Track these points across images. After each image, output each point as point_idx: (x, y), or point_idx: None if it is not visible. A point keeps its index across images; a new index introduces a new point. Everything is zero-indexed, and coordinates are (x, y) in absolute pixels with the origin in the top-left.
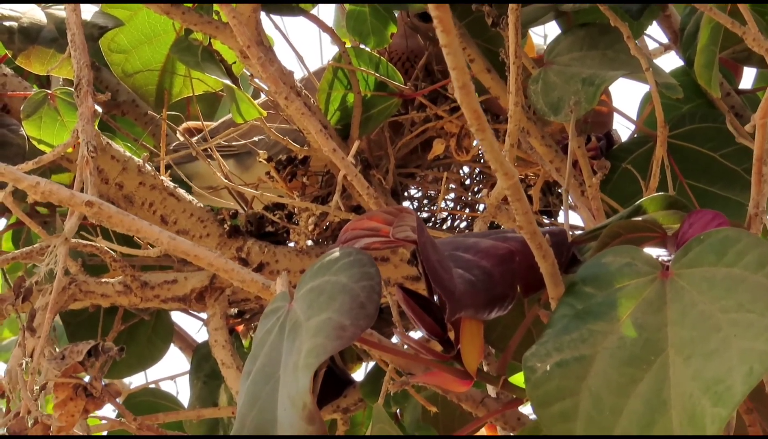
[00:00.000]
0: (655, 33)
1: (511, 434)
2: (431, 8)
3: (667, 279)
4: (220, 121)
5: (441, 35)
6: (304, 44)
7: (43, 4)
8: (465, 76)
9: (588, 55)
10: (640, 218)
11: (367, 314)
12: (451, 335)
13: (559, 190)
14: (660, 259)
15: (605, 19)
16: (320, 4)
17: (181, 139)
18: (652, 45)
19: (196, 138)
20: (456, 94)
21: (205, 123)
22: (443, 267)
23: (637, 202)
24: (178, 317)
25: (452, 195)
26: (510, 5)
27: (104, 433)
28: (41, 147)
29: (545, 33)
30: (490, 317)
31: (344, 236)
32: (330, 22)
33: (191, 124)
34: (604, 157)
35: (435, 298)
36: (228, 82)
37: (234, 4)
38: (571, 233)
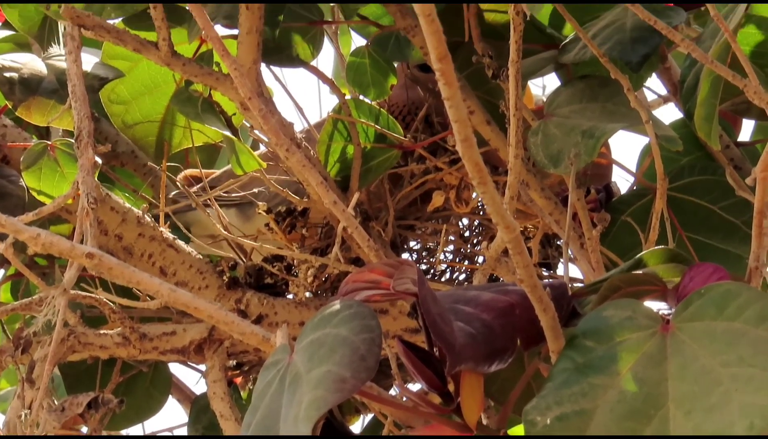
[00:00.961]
0: (654, 85)
1: None
2: (434, 61)
3: (667, 333)
4: (222, 170)
5: (443, 88)
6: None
7: (44, 55)
8: (467, 129)
9: (588, 108)
10: (640, 271)
11: (367, 367)
12: (451, 387)
13: (559, 243)
14: (660, 313)
15: (605, 72)
16: (319, 57)
17: (181, 188)
18: (651, 97)
19: (195, 188)
20: (458, 147)
21: (206, 171)
22: (444, 320)
23: (638, 255)
24: (176, 369)
25: (451, 247)
26: (510, 58)
27: None
28: (41, 198)
29: (543, 84)
30: (491, 370)
31: (345, 288)
32: (329, 73)
33: (191, 172)
34: (603, 209)
35: (435, 350)
36: (228, 133)
37: (235, 55)
38: (570, 285)
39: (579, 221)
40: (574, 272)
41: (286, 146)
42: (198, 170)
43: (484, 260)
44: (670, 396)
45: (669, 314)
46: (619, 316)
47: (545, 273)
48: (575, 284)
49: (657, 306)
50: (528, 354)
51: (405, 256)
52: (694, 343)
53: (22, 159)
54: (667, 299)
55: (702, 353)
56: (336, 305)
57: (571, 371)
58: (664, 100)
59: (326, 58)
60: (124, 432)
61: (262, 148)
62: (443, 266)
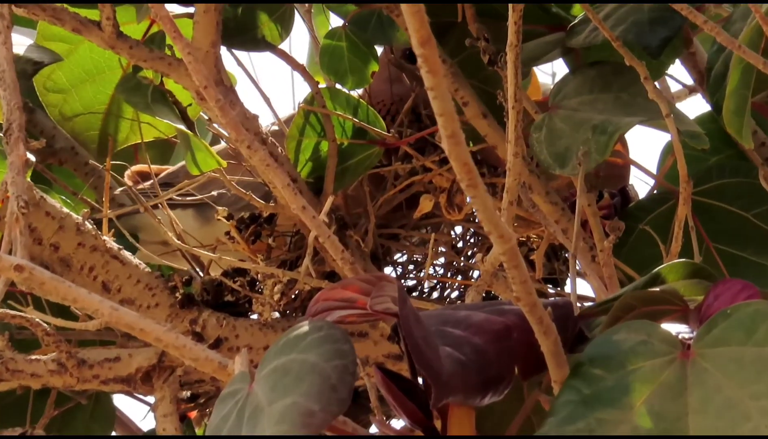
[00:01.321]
0: (677, 73)
1: None
2: (415, 46)
3: (688, 360)
4: (179, 165)
5: (426, 76)
6: (274, 84)
7: None
8: (454, 123)
9: (600, 99)
10: (658, 289)
11: (339, 399)
12: (438, 423)
13: (566, 255)
14: (680, 336)
15: (619, 58)
16: (292, 38)
17: (127, 188)
18: (674, 87)
19: (144, 185)
20: (444, 144)
21: (157, 168)
22: (428, 344)
23: (655, 269)
24: (120, 401)
25: (442, 260)
26: (508, 41)
27: None
28: None
29: (553, 71)
30: (483, 403)
31: (314, 307)
32: (303, 58)
33: (139, 168)
34: (618, 216)
35: (419, 380)
36: (182, 127)
37: (190, 37)
38: (579, 304)
39: (590, 230)
40: (584, 289)
41: (247, 142)
42: (152, 166)
43: (479, 276)
44: (691, 433)
45: (690, 338)
46: (632, 340)
47: (551, 290)
48: (586, 304)
49: (676, 329)
50: (527, 384)
51: (388, 270)
52: (719, 371)
53: None
54: (689, 320)
55: (727, 384)
56: (304, 327)
57: (576, 403)
58: (689, 90)
59: (300, 41)
60: None
61: (223, 144)
62: (432, 282)
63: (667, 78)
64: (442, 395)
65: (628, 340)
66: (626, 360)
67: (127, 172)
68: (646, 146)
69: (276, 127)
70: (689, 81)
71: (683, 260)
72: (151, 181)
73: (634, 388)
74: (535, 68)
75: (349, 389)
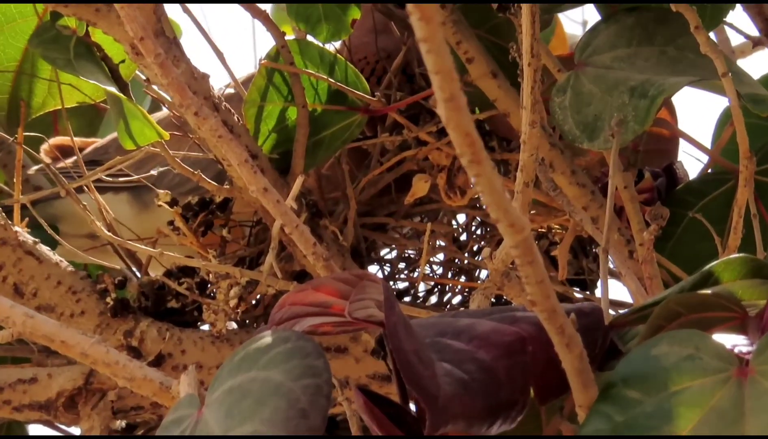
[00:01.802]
0: (739, 21)
1: None
2: None
3: (745, 379)
4: (110, 136)
5: (417, 25)
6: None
7: None
8: (452, 83)
9: (639, 54)
10: (709, 291)
11: (310, 426)
12: None
13: (597, 251)
14: (736, 350)
15: (664, 1)
16: None
17: (44, 166)
18: (735, 39)
19: (67, 161)
20: (439, 110)
21: (82, 140)
22: (422, 361)
23: (707, 267)
24: (38, 432)
25: (441, 256)
26: None
27: None
28: None
29: (584, 18)
30: (491, 433)
31: (279, 314)
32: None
33: (59, 140)
34: (662, 202)
35: (411, 405)
36: (113, 89)
37: None
38: (612, 311)
39: (626, 219)
40: (620, 292)
41: (194, 108)
42: (67, 138)
43: (487, 276)
44: None
45: (749, 353)
46: (676, 355)
47: (578, 294)
48: (621, 311)
49: (732, 341)
50: (545, 410)
51: (373, 269)
52: None
53: None
54: (748, 330)
55: None
56: (266, 339)
57: (606, 434)
58: (754, 43)
59: None
60: None
61: (166, 111)
62: (429, 284)
63: (725, 27)
64: (439, 423)
65: (672, 354)
66: (669, 380)
67: (44, 146)
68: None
69: (232, 90)
70: (754, 31)
71: (742, 255)
72: (75, 157)
73: (679, 414)
74: (560, 15)
75: (322, 414)
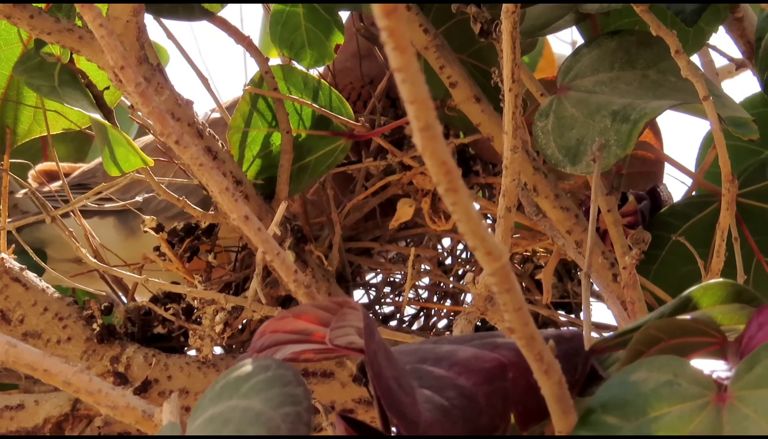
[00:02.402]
0: (722, 44)
1: None
2: (378, 17)
3: (724, 404)
4: (95, 161)
5: (392, 55)
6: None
7: None
8: (428, 112)
9: (621, 78)
10: (688, 316)
11: None
12: None
13: (581, 274)
14: (715, 375)
15: (645, 26)
16: (243, 7)
17: (29, 192)
18: (718, 61)
19: (53, 186)
20: (415, 139)
21: (68, 166)
22: (402, 387)
23: (686, 292)
24: None
25: (426, 281)
26: (504, 5)
27: None
28: None
29: (573, 39)
30: None
31: (260, 341)
32: (255, 30)
33: (46, 166)
34: (645, 225)
35: (393, 431)
36: (97, 116)
37: (104, 5)
38: (596, 335)
39: (610, 243)
40: (606, 315)
41: (175, 136)
42: (54, 164)
43: (471, 300)
44: None
45: (727, 378)
46: (655, 380)
47: (563, 318)
48: (604, 334)
49: (711, 366)
50: (527, 436)
51: (359, 294)
52: (762, 418)
53: None
54: (727, 355)
55: None
56: (246, 367)
57: None
58: (737, 65)
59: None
60: None
61: (151, 136)
62: (414, 309)
63: (710, 51)
64: None
65: (650, 380)
66: (647, 405)
67: (31, 172)
68: (683, 137)
69: (217, 115)
70: (737, 54)
71: (721, 280)
72: (60, 182)
73: None
74: (549, 37)
75: None
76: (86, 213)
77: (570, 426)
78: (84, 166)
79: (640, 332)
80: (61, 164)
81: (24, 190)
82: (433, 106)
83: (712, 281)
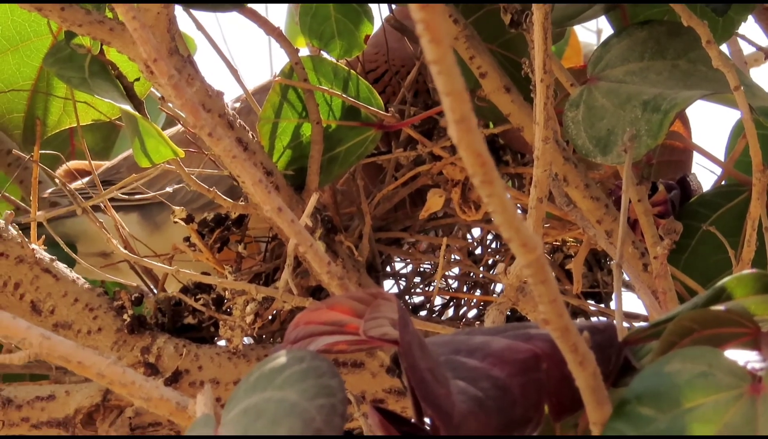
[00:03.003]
0: (752, 33)
1: None
2: (413, 8)
3: (759, 395)
4: (121, 156)
5: (428, 47)
6: (249, 54)
7: None
8: (464, 105)
9: (651, 67)
10: (722, 307)
11: None
12: None
13: (611, 264)
14: (749, 366)
15: (675, 16)
16: None
17: (60, 185)
18: (748, 50)
19: (81, 182)
20: (450, 130)
21: (96, 163)
22: (436, 378)
23: (720, 282)
24: None
25: (456, 271)
26: None
27: None
28: None
29: (599, 27)
30: None
31: (294, 332)
32: (281, 19)
33: (76, 164)
34: (675, 215)
35: (426, 422)
36: (128, 107)
37: None
38: (627, 326)
39: (640, 233)
40: (636, 305)
41: (208, 128)
42: (86, 161)
43: (502, 290)
44: None
45: (762, 369)
46: (689, 371)
47: (593, 308)
48: (637, 324)
49: (745, 357)
50: (561, 427)
51: (389, 284)
52: None
53: None
54: (761, 346)
55: None
56: (281, 358)
57: None
58: (765, 54)
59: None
60: None
61: (180, 127)
62: (444, 299)
63: (738, 39)
64: None
65: (685, 371)
66: (682, 396)
67: (60, 170)
68: (712, 126)
69: (245, 105)
70: (765, 42)
71: (755, 271)
72: (89, 178)
73: (693, 431)
74: (576, 27)
75: (337, 433)
76: (113, 208)
77: (604, 417)
78: (107, 163)
79: (673, 322)
80: (82, 162)
81: (51, 189)
82: (468, 98)
83: (746, 271)
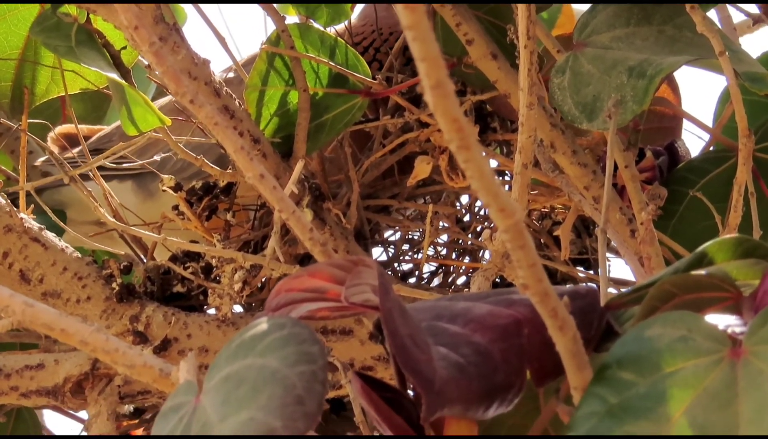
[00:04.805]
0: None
1: None
2: None
3: (738, 360)
4: (114, 125)
5: (403, 13)
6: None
7: None
8: (439, 70)
9: (637, 33)
10: (703, 271)
11: (305, 413)
12: None
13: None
14: (730, 330)
15: None
16: None
17: (49, 154)
18: (736, 17)
19: (72, 152)
20: (427, 97)
21: (88, 128)
22: (418, 344)
23: (700, 247)
24: (48, 418)
25: (445, 237)
26: None
27: None
28: None
29: None
30: (488, 416)
31: (275, 300)
32: None
33: (65, 129)
34: (663, 180)
35: (409, 389)
36: (115, 76)
37: None
38: (613, 290)
39: (628, 199)
40: (623, 271)
41: (189, 96)
42: (74, 126)
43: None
44: None
45: (742, 333)
46: (669, 336)
47: (581, 274)
48: (624, 290)
49: (725, 321)
50: (543, 392)
51: (377, 251)
52: None
53: None
54: (742, 310)
55: None
56: (261, 325)
57: (601, 415)
58: (754, 20)
59: None
60: None
61: (170, 97)
62: (433, 266)
63: (726, 6)
64: (436, 407)
65: (665, 336)
66: (662, 361)
67: (51, 135)
68: (701, 92)
69: (233, 74)
70: (754, 9)
71: (736, 235)
72: (79, 148)
73: (672, 395)
74: None
75: (318, 400)
76: (105, 177)
77: (585, 382)
78: (100, 132)
79: (654, 287)
80: (80, 126)
81: (43, 158)
82: (444, 64)
83: (727, 236)
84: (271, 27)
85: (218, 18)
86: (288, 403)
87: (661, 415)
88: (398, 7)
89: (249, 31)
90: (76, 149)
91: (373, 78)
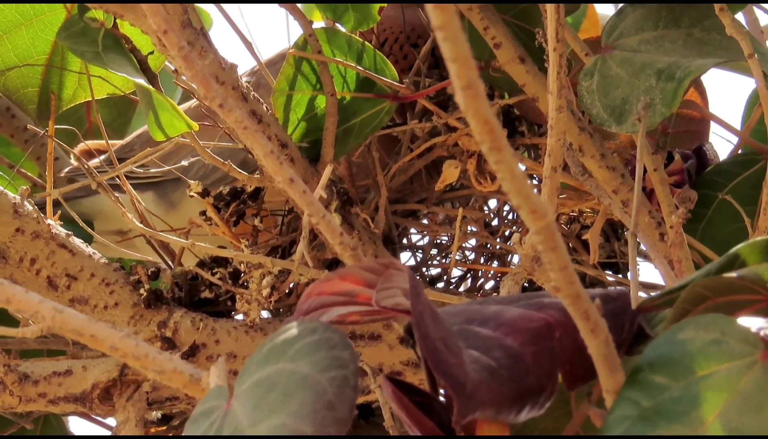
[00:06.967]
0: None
1: None
2: None
3: None
4: (134, 134)
5: (433, 13)
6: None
7: None
8: (470, 71)
9: (666, 36)
10: (735, 274)
11: (337, 419)
12: None
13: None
14: (762, 333)
15: None
16: None
17: (76, 163)
18: (764, 19)
19: (97, 160)
20: (458, 98)
21: (110, 142)
22: (449, 348)
23: (733, 249)
24: (75, 425)
25: (473, 242)
26: None
27: None
28: None
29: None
30: (520, 419)
31: (306, 304)
32: None
33: (92, 143)
34: (691, 184)
35: (440, 392)
36: (142, 81)
37: None
38: (643, 294)
39: (657, 202)
40: (652, 275)
41: (219, 100)
42: (102, 141)
43: (518, 260)
44: None
45: None
46: (702, 339)
47: (610, 278)
48: (652, 293)
49: (758, 324)
50: (575, 396)
51: (405, 256)
52: None
53: None
54: None
55: None
56: (292, 330)
57: (633, 419)
58: None
59: None
60: None
61: (196, 102)
62: (461, 270)
63: (755, 8)
64: (467, 410)
65: (697, 339)
66: (695, 364)
67: (77, 149)
68: (729, 95)
69: (261, 78)
70: None
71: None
72: (104, 156)
73: (706, 399)
74: None
75: (349, 406)
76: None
77: (617, 385)
78: (120, 142)
79: (686, 290)
80: (98, 142)
81: (68, 168)
82: (475, 64)
83: (759, 238)
84: (293, 30)
85: (240, 21)
86: (319, 409)
87: (694, 418)
88: (429, 7)
89: (270, 35)
90: (102, 157)
91: (401, 81)
